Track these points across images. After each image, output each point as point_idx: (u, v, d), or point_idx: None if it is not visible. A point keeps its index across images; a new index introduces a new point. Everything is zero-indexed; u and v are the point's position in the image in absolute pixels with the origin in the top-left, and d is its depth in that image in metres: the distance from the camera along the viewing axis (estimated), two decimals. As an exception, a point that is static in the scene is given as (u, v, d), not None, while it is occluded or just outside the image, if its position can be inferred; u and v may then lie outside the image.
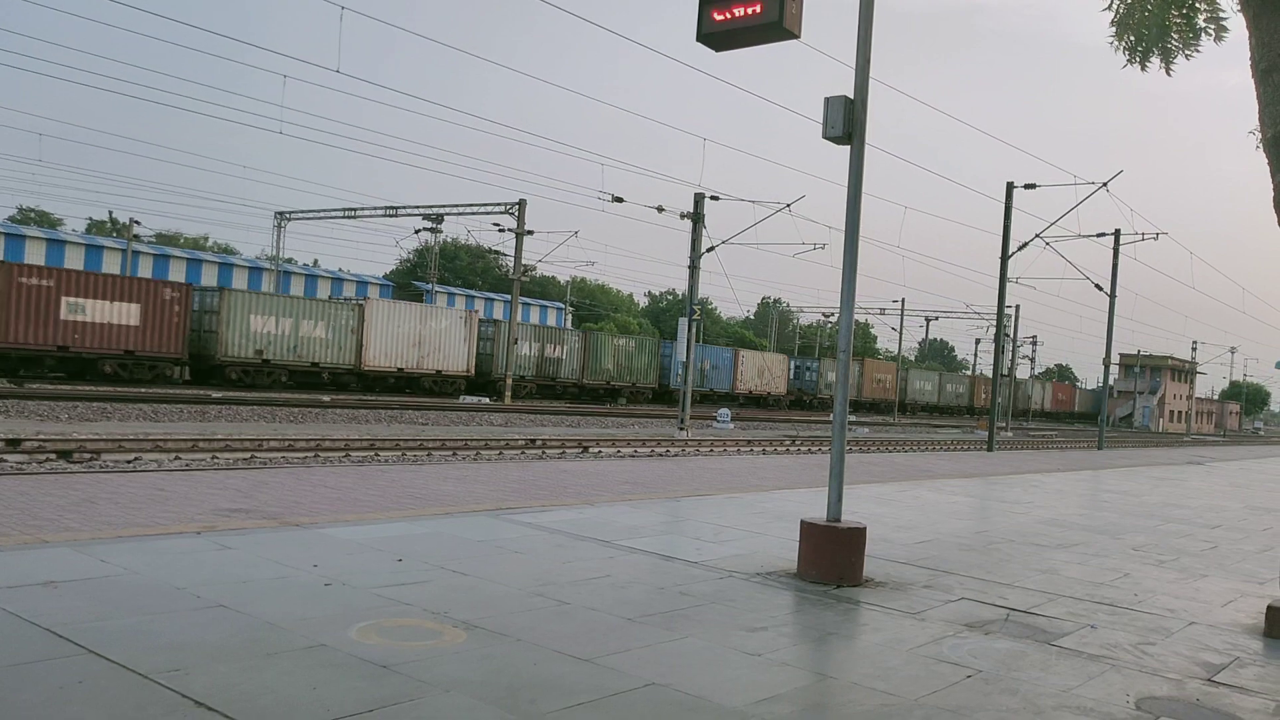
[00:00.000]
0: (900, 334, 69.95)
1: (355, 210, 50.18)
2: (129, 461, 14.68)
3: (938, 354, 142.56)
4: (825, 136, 7.55)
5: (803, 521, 7.52)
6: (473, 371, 42.72)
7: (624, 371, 49.64)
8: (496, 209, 44.23)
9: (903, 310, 69.03)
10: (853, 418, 53.67)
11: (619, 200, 36.94)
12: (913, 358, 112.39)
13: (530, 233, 42.96)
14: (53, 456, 14.50)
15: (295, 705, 4.00)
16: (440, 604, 5.79)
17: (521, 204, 42.93)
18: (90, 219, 68.82)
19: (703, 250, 31.90)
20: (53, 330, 30.06)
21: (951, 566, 8.25)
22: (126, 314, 31.60)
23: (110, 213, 58.75)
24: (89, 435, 16.85)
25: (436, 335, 40.78)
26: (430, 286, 59.97)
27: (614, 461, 17.49)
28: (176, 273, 47.98)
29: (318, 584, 6.07)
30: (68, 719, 3.70)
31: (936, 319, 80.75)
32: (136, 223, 46.19)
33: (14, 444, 14.88)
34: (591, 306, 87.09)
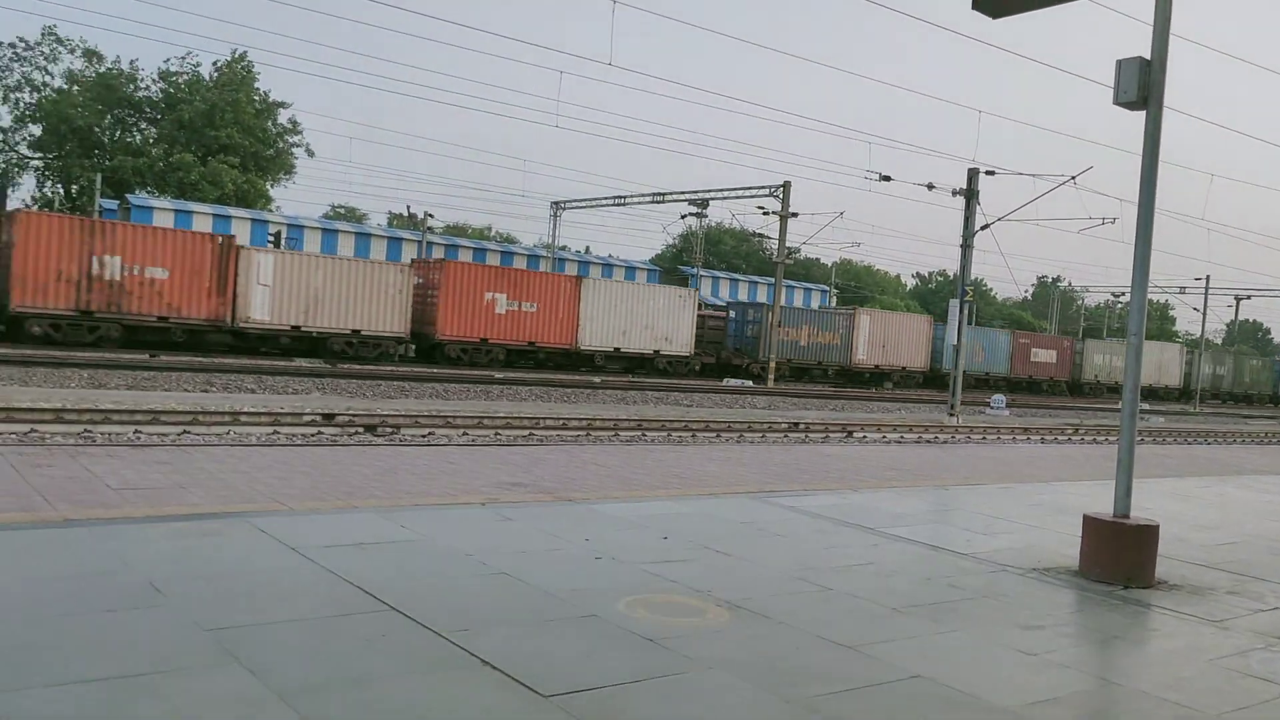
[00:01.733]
0: (1204, 314, 63.56)
1: (624, 198, 51.89)
2: (424, 436, 16.03)
3: (1249, 336, 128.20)
4: (1116, 102, 6.98)
5: (1086, 516, 7.04)
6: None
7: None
8: (761, 192, 44.26)
9: (1206, 289, 62.66)
10: (1145, 405, 49.42)
11: (886, 179, 35.93)
12: (1219, 341, 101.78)
13: (794, 215, 42.69)
14: (360, 430, 16.10)
15: (570, 670, 4.24)
16: (704, 583, 5.92)
17: (786, 186, 42.72)
18: (390, 213, 75.55)
19: (976, 228, 30.41)
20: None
21: (1263, 572, 7.44)
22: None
23: (408, 207, 64.15)
24: (390, 411, 18.56)
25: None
26: (695, 270, 60.99)
27: (878, 447, 17.11)
28: (465, 260, 51.63)
29: (589, 557, 6.38)
30: (373, 668, 4.12)
31: (1249, 298, 72.65)
32: (430, 215, 50.21)
33: (329, 418, 16.65)
34: (857, 288, 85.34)
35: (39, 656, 3.94)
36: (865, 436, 22.08)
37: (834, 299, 73.67)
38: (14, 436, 11.86)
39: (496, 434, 17.12)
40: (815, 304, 65.46)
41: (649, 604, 5.36)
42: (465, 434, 16.80)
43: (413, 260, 39.52)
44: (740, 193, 45.90)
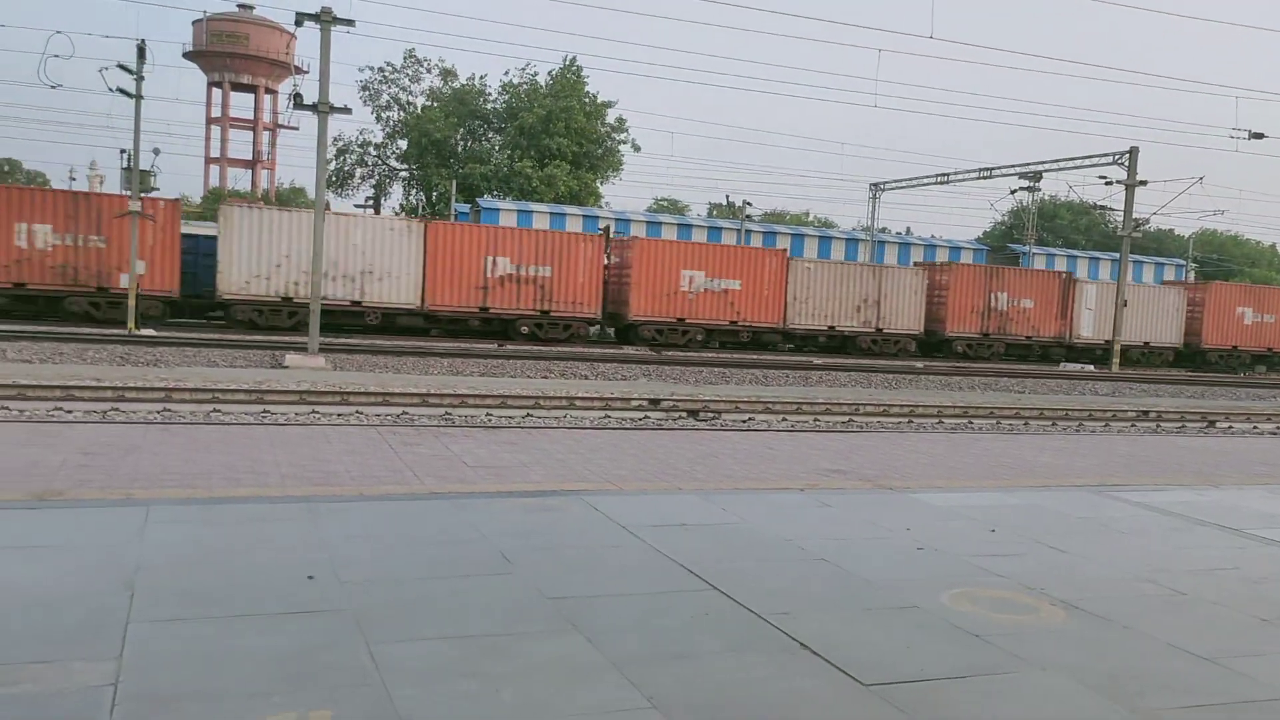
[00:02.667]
0: None
1: (947, 175, 49.74)
2: (744, 421, 16.35)
3: None
4: None
5: None
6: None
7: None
8: (1102, 160, 40.70)
9: None
10: None
11: (1258, 136, 31.76)
12: None
13: (1142, 183, 38.84)
14: (684, 415, 16.70)
15: (889, 660, 4.19)
16: (1036, 579, 5.60)
17: (1132, 152, 39.00)
18: (710, 203, 77.54)
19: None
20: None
21: None
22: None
23: (727, 196, 65.57)
24: (712, 397, 19.09)
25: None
26: (1027, 248, 57.28)
27: (1246, 439, 15.24)
28: (782, 246, 51.91)
29: (910, 547, 6.23)
30: (696, 644, 4.30)
31: None
32: (748, 204, 50.94)
33: (655, 403, 17.42)
34: (1220, 261, 76.24)
35: (410, 614, 4.48)
36: (1231, 427, 19.74)
37: (1191, 274, 66.30)
38: (390, 418, 13.48)
39: (815, 420, 17.09)
40: (1169, 278, 59.21)
41: (975, 598, 5.16)
42: (784, 419, 16.91)
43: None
44: (1078, 162, 42.45)
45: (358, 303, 30.50)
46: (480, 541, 5.75)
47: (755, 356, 32.32)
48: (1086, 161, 42.02)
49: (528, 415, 15.11)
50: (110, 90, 27.65)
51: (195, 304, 31.13)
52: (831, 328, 36.56)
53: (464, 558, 5.42)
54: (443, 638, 4.17)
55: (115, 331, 25.35)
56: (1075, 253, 62.67)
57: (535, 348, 29.13)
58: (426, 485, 7.27)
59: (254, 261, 29.62)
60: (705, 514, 6.87)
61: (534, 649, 4.12)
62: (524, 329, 32.47)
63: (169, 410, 13.50)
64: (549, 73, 57.04)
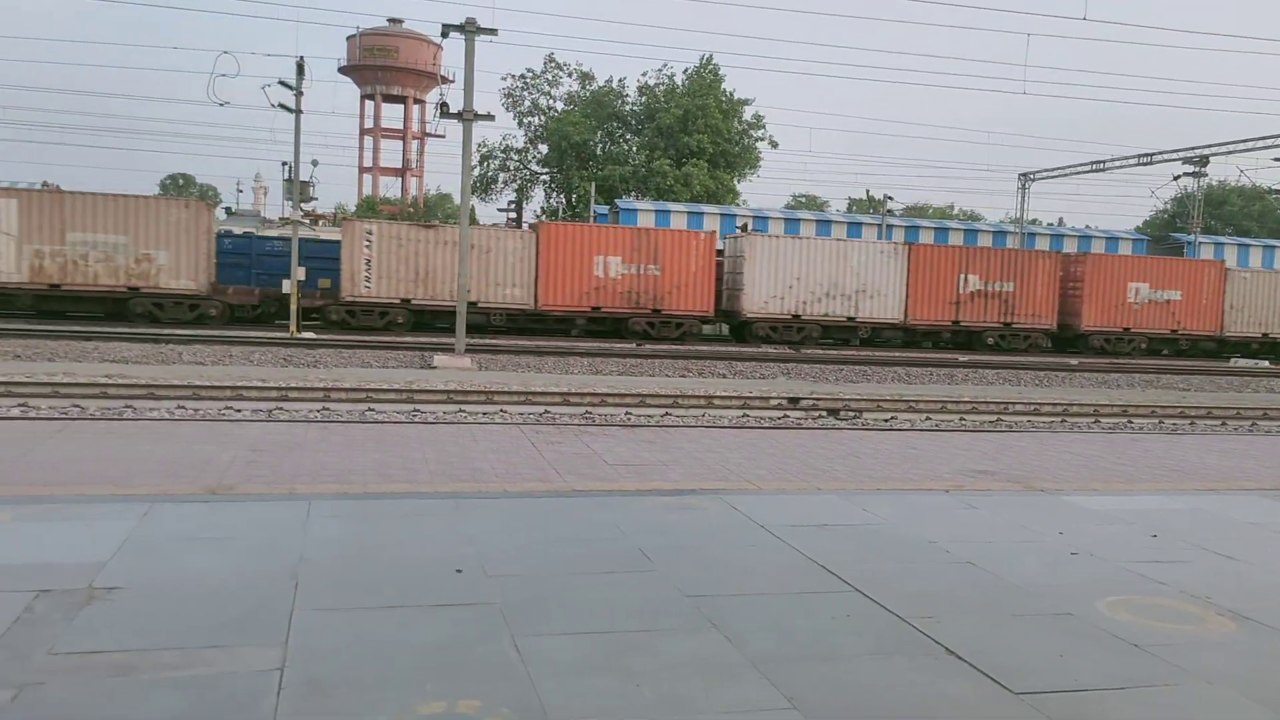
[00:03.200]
0: None
1: (1103, 163, 47.39)
2: (886, 420, 16.01)
3: None
4: None
5: None
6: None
7: None
8: (1278, 141, 38.02)
9: None
10: None
11: None
12: None
13: (1323, 164, 36.10)
14: (823, 414, 16.49)
15: (1040, 668, 4.04)
16: (1202, 588, 5.30)
17: (1310, 131, 36.31)
18: (849, 198, 76.24)
19: None
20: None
21: None
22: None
23: (867, 191, 64.28)
24: (852, 395, 18.77)
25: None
26: (1192, 237, 54.04)
27: None
28: (925, 241, 50.56)
29: (1063, 551, 5.99)
30: (837, 645, 4.25)
31: None
32: (889, 198, 49.81)
33: (794, 402, 17.27)
34: None
35: (554, 608, 4.59)
36: None
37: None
38: (533, 416, 13.80)
39: (961, 419, 16.59)
40: (1355, 268, 54.81)
41: (1133, 606, 4.92)
42: (928, 419, 16.48)
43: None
44: (1251, 144, 39.76)
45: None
46: (620, 539, 5.84)
47: (897, 354, 31.59)
48: (1261, 143, 39.35)
49: (666, 414, 15.20)
50: (272, 106, 29.22)
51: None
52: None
53: (604, 554, 5.51)
54: (585, 633, 4.26)
55: (279, 335, 26.80)
56: (1248, 241, 58.78)
57: (670, 346, 29.29)
58: (568, 483, 7.42)
59: (771, 284, 33.05)
60: (846, 514, 6.78)
61: (673, 646, 4.16)
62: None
63: (327, 409, 14.19)
64: (685, 72, 57.22)
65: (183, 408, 13.79)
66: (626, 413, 15.16)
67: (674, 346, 29.54)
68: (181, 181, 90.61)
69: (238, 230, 37.07)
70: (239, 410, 13.60)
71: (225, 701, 3.42)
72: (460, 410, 14.71)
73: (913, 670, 4.00)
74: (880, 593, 4.97)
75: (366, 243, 30.39)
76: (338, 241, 31.39)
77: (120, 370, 17.98)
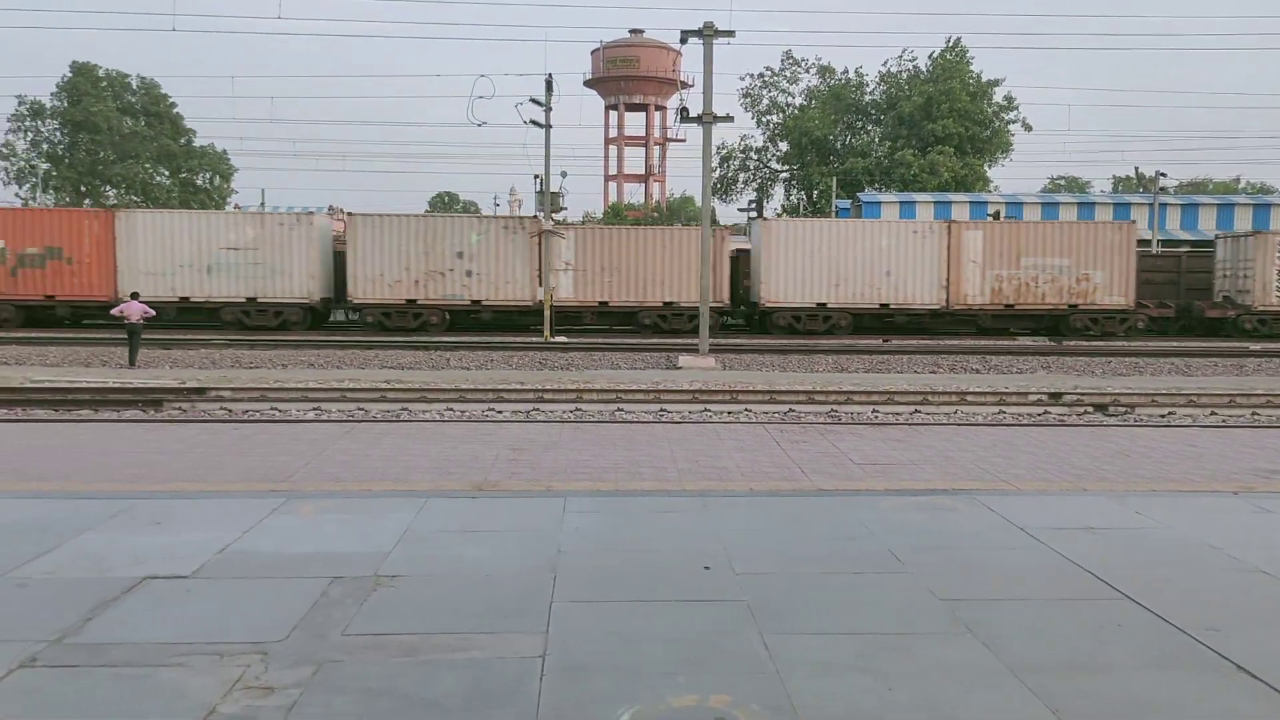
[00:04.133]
0: None
1: None
2: (1162, 416, 14.76)
3: None
4: None
5: None
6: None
7: None
8: None
9: None
10: None
11: None
12: None
13: None
14: (1089, 409, 15.42)
15: (1350, 692, 3.62)
16: None
17: None
18: (1114, 177, 70.69)
19: None
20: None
21: None
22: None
23: (1136, 168, 59.39)
24: (1121, 389, 17.44)
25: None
26: None
27: None
28: (1206, 220, 46.13)
29: (1380, 562, 5.32)
30: (1105, 656, 3.99)
31: None
32: (1161, 174, 45.82)
33: (1055, 397, 16.27)
34: None
35: (802, 607, 4.59)
36: None
37: None
38: (777, 415, 13.80)
39: (1254, 414, 15.02)
40: None
41: None
42: (1213, 414, 15.04)
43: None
44: None
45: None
46: (869, 539, 5.75)
47: (1174, 344, 29.01)
48: None
49: (915, 411, 14.75)
50: (524, 123, 30.83)
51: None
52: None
53: (853, 555, 5.44)
54: (834, 633, 4.23)
55: (535, 340, 28.26)
56: None
57: (919, 341, 28.35)
58: (814, 482, 7.38)
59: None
60: (1115, 517, 6.33)
61: (927, 649, 4.05)
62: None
63: (580, 409, 14.81)
64: (930, 56, 55.22)
65: (451, 410, 14.82)
66: (873, 410, 14.84)
67: (923, 341, 28.58)
68: (446, 199, 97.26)
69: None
70: (500, 411, 14.46)
71: (496, 684, 3.68)
72: (705, 410, 14.92)
73: (1195, 685, 3.70)
74: (1156, 601, 4.62)
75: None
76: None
77: (397, 375, 19.56)
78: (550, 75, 30.02)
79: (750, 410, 14.87)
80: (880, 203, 45.18)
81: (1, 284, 29.17)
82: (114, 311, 22.44)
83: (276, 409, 14.95)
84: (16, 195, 61.04)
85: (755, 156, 60.58)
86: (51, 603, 4.48)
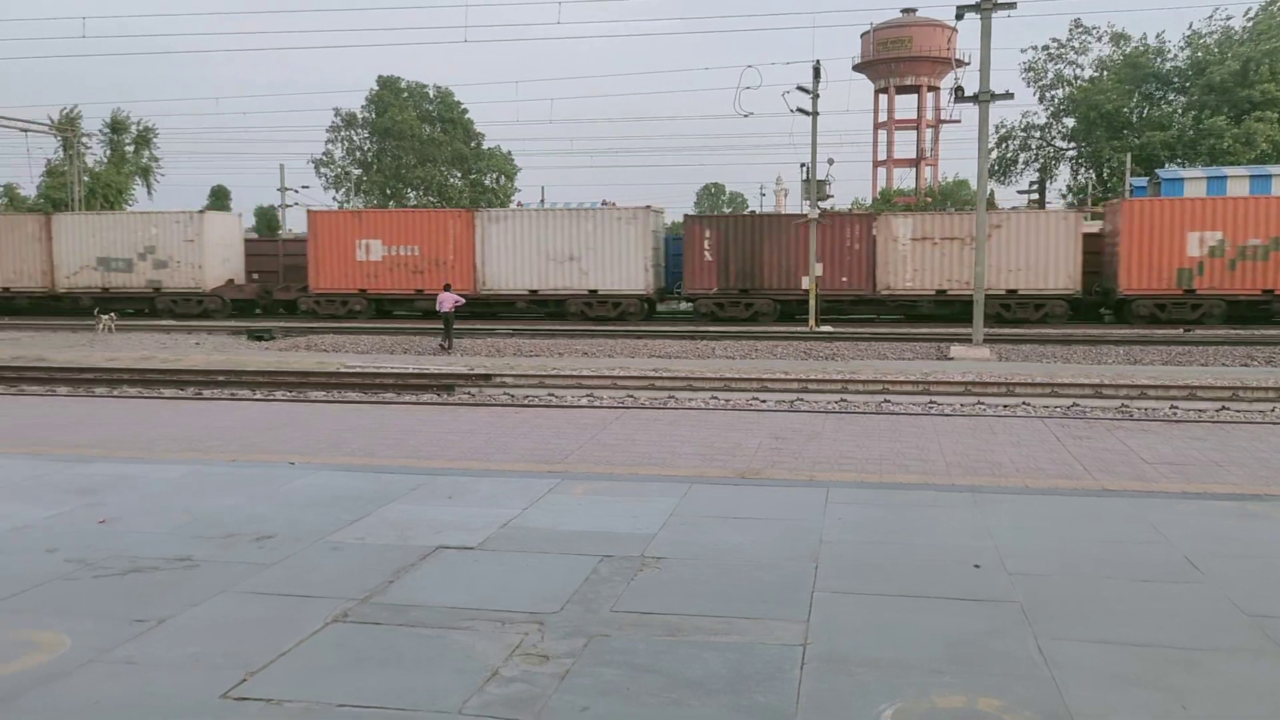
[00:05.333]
0: None
1: None
2: None
3: None
4: None
5: None
6: None
7: None
8: None
9: None
10: None
11: None
12: None
13: None
14: None
15: None
16: None
17: None
18: None
19: None
20: None
21: None
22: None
23: None
24: None
25: None
26: None
27: None
28: None
29: None
30: None
31: None
32: None
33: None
34: None
35: (1080, 612, 4.30)
36: None
37: None
38: (1059, 410, 12.95)
39: None
40: None
41: None
42: None
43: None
44: None
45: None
46: (1160, 544, 5.29)
47: None
48: None
49: (1222, 408, 13.36)
50: (791, 111, 30.64)
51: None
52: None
53: (1140, 559, 5.03)
54: (1118, 642, 3.95)
55: (799, 329, 28.08)
56: None
57: (1227, 331, 25.58)
58: (1098, 481, 6.88)
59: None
60: None
61: (1228, 667, 3.69)
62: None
63: (844, 400, 14.59)
64: (1246, 15, 49.56)
65: (715, 398, 15.06)
66: (1171, 406, 13.60)
67: (1230, 331, 25.78)
68: (714, 190, 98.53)
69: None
70: (763, 401, 14.52)
71: (757, 668, 3.72)
72: (978, 403, 14.27)
73: None
74: None
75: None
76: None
77: (665, 365, 20.10)
78: (818, 61, 29.64)
79: (1028, 404, 14.06)
80: (1183, 179, 41.17)
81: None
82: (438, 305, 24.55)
83: (554, 395, 15.80)
84: (334, 199, 67.99)
85: (1038, 134, 56.93)
86: (360, 565, 5.00)
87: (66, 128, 52.08)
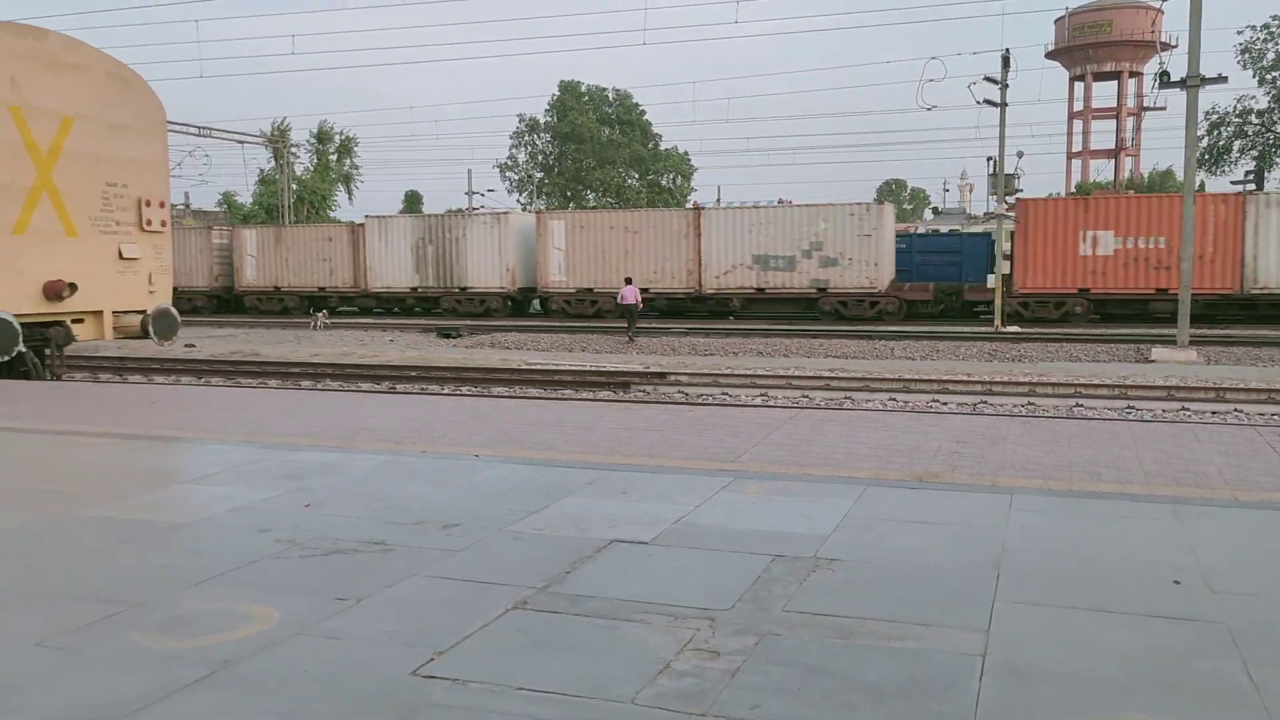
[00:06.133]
0: None
1: None
2: None
3: None
4: None
5: None
6: None
7: None
8: None
9: None
10: None
11: None
12: None
13: None
14: None
15: None
16: None
17: None
18: None
19: None
20: None
21: None
22: None
23: None
24: None
25: None
26: None
27: None
28: None
29: None
30: None
31: None
32: None
33: None
34: None
35: (1296, 636, 3.98)
36: None
37: None
38: (1275, 417, 11.97)
39: None
40: None
41: None
42: None
43: None
44: None
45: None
46: (1393, 568, 4.82)
47: None
48: None
49: None
50: (977, 103, 29.56)
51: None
52: None
53: (1370, 584, 4.60)
54: (1339, 672, 3.63)
55: (984, 329, 27.02)
56: None
57: None
58: (1320, 496, 6.32)
59: None
60: None
61: None
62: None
63: (1031, 404, 13.97)
64: None
65: (894, 399, 14.71)
66: None
67: None
68: (894, 186, 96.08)
69: (925, 230, 38.16)
70: (944, 403, 14.08)
71: (932, 677, 3.64)
72: (1183, 409, 13.37)
73: None
74: None
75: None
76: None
77: (841, 365, 19.79)
78: (1007, 50, 28.48)
79: (1240, 411, 13.07)
80: None
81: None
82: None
83: (727, 394, 15.82)
84: (517, 202, 70.39)
85: (1256, 120, 52.61)
86: (539, 555, 5.18)
87: (277, 139, 56.07)
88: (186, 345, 25.30)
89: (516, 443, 8.42)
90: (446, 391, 16.21)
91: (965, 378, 16.46)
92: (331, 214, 63.00)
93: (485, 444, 8.34)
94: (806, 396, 15.25)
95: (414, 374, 18.03)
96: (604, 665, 3.77)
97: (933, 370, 18.50)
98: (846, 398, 15.11)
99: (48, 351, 13.81)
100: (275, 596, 4.54)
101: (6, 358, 12.59)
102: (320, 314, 33.57)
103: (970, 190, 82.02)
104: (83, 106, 13.61)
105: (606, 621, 4.22)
